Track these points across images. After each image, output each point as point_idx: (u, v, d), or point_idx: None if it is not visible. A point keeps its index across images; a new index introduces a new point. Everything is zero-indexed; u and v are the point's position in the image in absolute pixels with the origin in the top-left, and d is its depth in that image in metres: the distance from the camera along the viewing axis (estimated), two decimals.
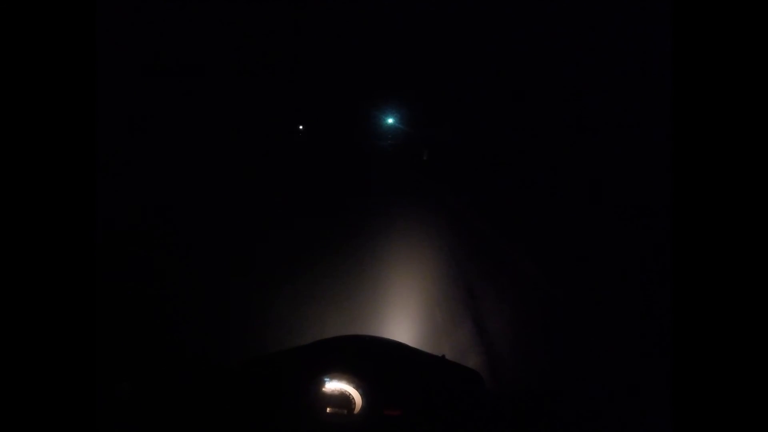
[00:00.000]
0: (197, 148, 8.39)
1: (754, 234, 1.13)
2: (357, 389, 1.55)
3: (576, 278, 4.50)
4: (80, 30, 1.20)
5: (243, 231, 5.75)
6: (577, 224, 5.80)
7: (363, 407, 1.52)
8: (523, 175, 7.78)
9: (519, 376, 2.86)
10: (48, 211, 1.18)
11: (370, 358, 1.80)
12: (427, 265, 4.99)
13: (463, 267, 5.09)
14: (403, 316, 3.67)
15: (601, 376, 2.80)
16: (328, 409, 1.52)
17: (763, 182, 1.13)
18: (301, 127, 12.58)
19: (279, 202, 7.27)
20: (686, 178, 1.23)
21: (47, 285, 1.15)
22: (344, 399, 1.53)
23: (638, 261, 4.57)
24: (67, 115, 1.19)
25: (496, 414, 1.78)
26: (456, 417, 1.65)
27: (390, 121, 12.36)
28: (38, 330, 1.14)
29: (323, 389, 1.55)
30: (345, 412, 1.52)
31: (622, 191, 6.27)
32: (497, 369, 2.81)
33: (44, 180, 1.16)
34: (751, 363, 1.11)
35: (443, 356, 1.87)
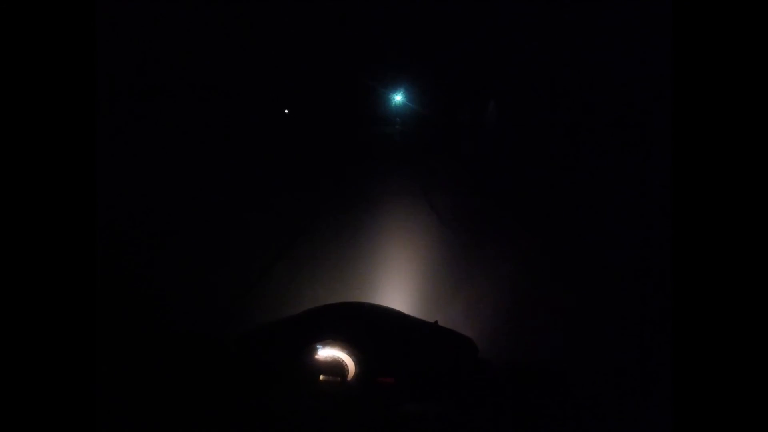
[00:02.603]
0: (189, 127, 8.26)
1: (753, 228, 1.14)
2: (350, 356, 1.55)
3: (578, 259, 4.49)
4: (80, 30, 1.20)
5: (234, 209, 5.75)
6: (583, 205, 5.79)
7: (356, 374, 1.52)
8: (524, 159, 7.70)
9: (515, 347, 2.88)
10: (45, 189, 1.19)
11: (362, 325, 1.79)
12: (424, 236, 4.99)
13: (462, 240, 5.08)
14: (400, 284, 3.70)
15: (599, 357, 2.81)
16: (321, 377, 1.51)
17: (763, 181, 1.13)
18: (286, 110, 12.10)
19: (280, 178, 7.21)
20: (686, 167, 1.24)
21: (48, 258, 1.18)
22: (337, 366, 1.52)
23: (640, 244, 4.54)
24: (66, 115, 1.20)
25: (490, 380, 1.79)
26: (449, 384, 1.66)
27: (398, 98, 11.85)
28: (40, 307, 1.16)
29: (316, 357, 1.54)
30: (339, 379, 1.51)
31: (626, 178, 6.23)
32: (493, 338, 2.83)
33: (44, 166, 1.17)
34: (745, 342, 1.13)
35: (436, 322, 1.87)
